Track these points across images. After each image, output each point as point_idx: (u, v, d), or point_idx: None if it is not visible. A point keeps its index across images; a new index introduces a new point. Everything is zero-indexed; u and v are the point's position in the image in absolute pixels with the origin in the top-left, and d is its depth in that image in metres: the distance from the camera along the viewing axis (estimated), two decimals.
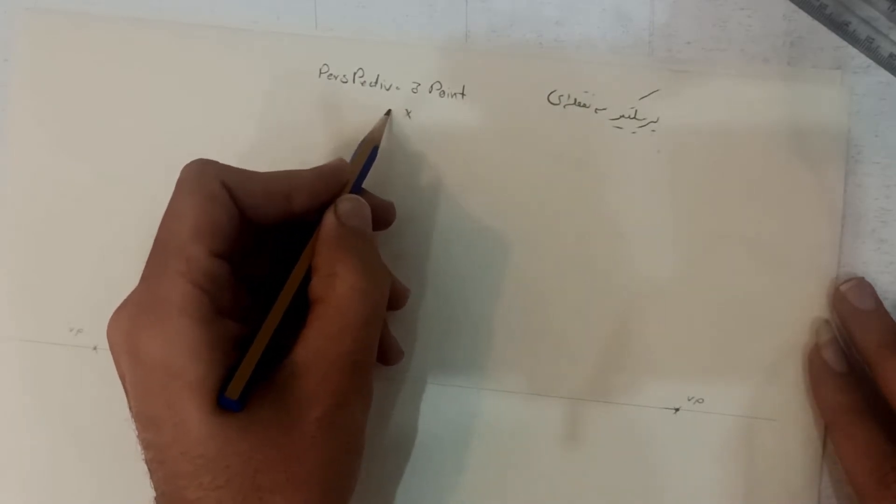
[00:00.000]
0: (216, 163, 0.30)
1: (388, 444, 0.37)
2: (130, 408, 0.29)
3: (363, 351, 0.29)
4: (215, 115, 0.38)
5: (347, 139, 0.37)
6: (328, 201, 0.32)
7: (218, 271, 0.29)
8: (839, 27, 0.35)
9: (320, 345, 0.29)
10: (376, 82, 0.37)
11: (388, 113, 0.37)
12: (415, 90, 0.37)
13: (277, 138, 0.37)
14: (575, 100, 0.36)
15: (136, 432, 0.28)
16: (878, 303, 0.35)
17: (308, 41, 0.37)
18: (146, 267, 0.29)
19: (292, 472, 0.27)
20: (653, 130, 0.36)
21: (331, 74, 0.37)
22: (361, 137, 0.36)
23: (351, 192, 0.33)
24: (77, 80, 0.38)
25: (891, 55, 0.35)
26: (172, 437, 0.27)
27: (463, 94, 0.37)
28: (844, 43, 0.36)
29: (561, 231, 0.37)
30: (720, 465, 0.36)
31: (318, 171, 0.32)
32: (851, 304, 0.35)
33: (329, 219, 0.31)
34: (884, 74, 0.36)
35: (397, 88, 0.37)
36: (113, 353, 0.29)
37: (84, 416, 0.38)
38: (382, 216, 0.35)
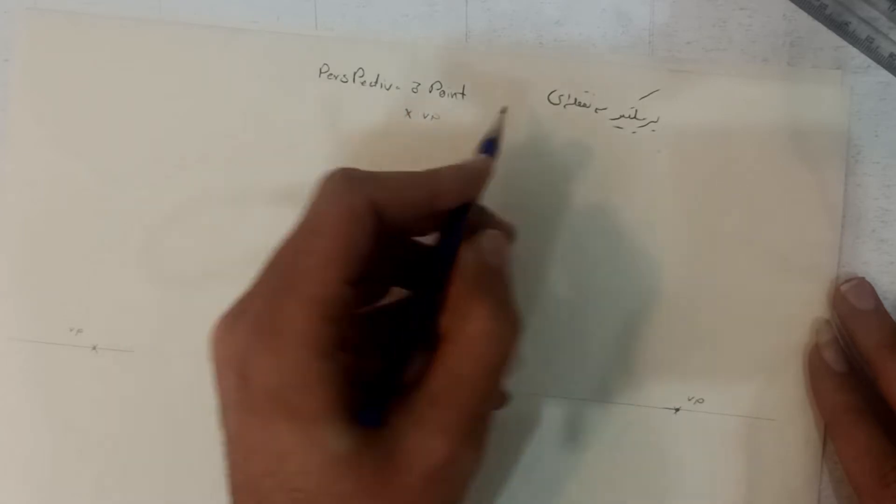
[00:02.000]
0: (362, 173, 0.28)
1: None
2: (224, 423, 0.27)
3: (486, 402, 0.27)
4: (215, 114, 0.38)
5: (347, 139, 0.37)
6: (466, 202, 0.30)
7: (347, 300, 0.26)
8: (839, 27, 0.35)
9: (441, 391, 0.26)
10: (376, 82, 0.37)
11: (504, 110, 0.34)
12: (415, 90, 0.37)
13: (277, 138, 0.37)
14: (575, 100, 0.36)
15: (226, 450, 0.27)
16: (878, 303, 0.35)
17: (308, 41, 0.37)
18: (266, 277, 0.28)
19: None
20: (653, 130, 0.36)
21: (331, 74, 0.37)
22: (362, 137, 0.36)
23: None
24: (77, 80, 0.38)
25: (891, 55, 0.35)
26: (269, 467, 0.25)
27: (463, 93, 0.37)
28: (844, 43, 0.36)
29: (561, 231, 0.37)
30: (720, 465, 0.36)
31: (459, 172, 0.30)
32: (851, 304, 0.35)
33: (468, 255, 0.29)
34: (884, 74, 0.36)
35: (397, 88, 0.37)
36: (216, 363, 0.27)
37: (84, 416, 0.38)
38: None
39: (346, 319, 0.26)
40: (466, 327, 0.27)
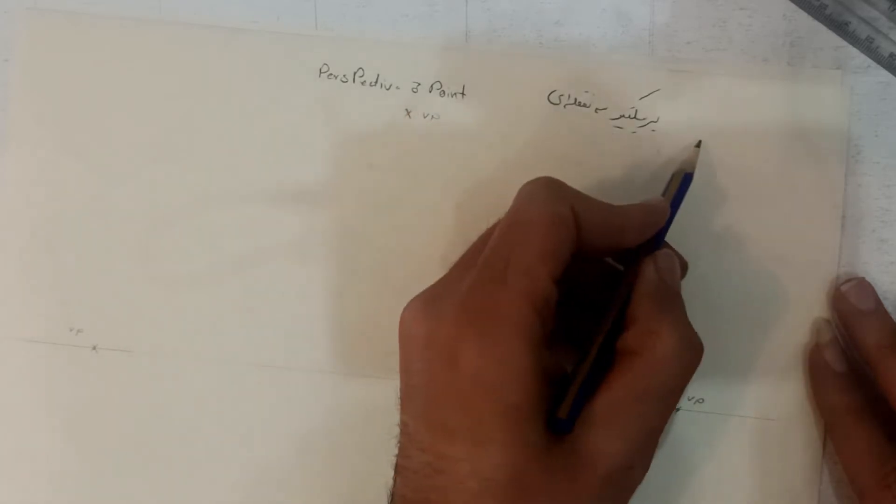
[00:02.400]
0: (565, 184, 0.29)
1: (385, 447, 0.37)
2: (411, 406, 0.28)
3: (663, 417, 0.29)
4: (215, 114, 0.38)
5: (347, 139, 0.37)
6: (644, 241, 0.31)
7: (553, 298, 0.27)
8: (839, 27, 0.35)
9: (626, 400, 0.28)
10: (376, 82, 0.37)
11: (699, 145, 0.35)
12: (415, 90, 0.37)
13: (277, 138, 0.37)
14: (575, 100, 0.36)
15: (409, 430, 0.28)
16: (879, 303, 0.35)
17: (308, 41, 0.37)
18: (469, 266, 0.28)
19: None
20: (653, 130, 0.36)
21: (331, 74, 0.37)
22: (362, 138, 0.36)
23: (663, 230, 0.32)
24: (77, 80, 0.38)
25: (891, 55, 0.35)
26: (467, 453, 0.26)
27: (463, 93, 0.37)
28: (844, 43, 0.36)
29: None
30: (720, 465, 0.36)
31: (644, 209, 0.32)
32: (852, 304, 0.35)
33: (650, 271, 0.30)
34: (884, 74, 0.36)
35: (397, 88, 0.37)
36: (411, 344, 0.28)
37: (84, 416, 0.38)
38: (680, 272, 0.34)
39: (550, 317, 0.28)
40: (656, 345, 0.28)
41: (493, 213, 0.36)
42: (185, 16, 0.38)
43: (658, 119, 0.36)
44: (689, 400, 0.36)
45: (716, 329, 0.36)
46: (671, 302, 0.30)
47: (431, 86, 0.37)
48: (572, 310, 0.31)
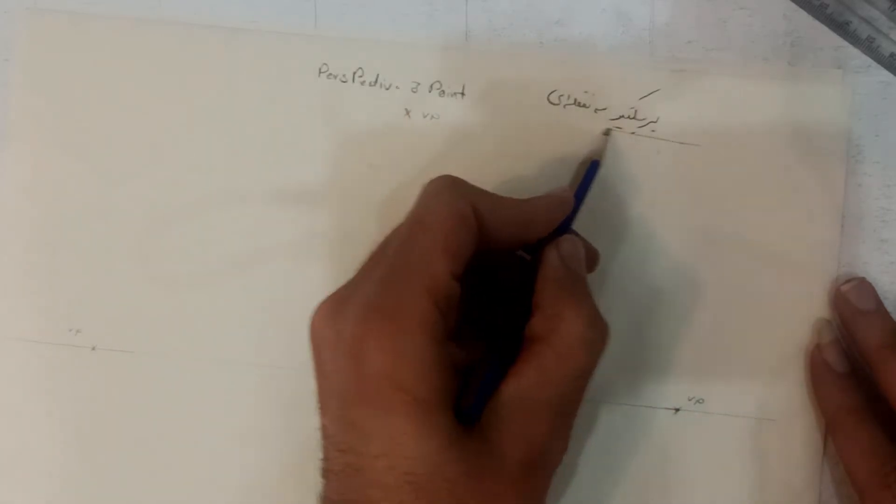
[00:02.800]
0: (467, 182, 0.30)
1: None
2: (326, 407, 0.28)
3: (576, 400, 0.29)
4: (215, 115, 0.38)
5: (347, 139, 0.37)
6: (549, 233, 0.32)
7: (453, 294, 0.28)
8: (840, 27, 0.35)
9: (534, 386, 0.28)
10: (376, 82, 0.37)
11: (608, 133, 0.36)
12: (414, 90, 0.37)
13: (277, 138, 0.37)
14: (575, 100, 0.36)
15: (328, 433, 0.28)
16: (879, 303, 0.35)
17: (308, 41, 0.37)
18: (373, 267, 0.29)
19: None
20: (653, 130, 0.36)
21: (330, 74, 0.37)
22: (362, 138, 0.36)
23: (569, 218, 0.33)
24: (77, 80, 0.38)
25: (891, 55, 0.35)
26: (382, 449, 0.26)
27: (463, 93, 0.37)
28: (845, 43, 0.36)
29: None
30: (721, 466, 0.36)
31: (549, 200, 0.32)
32: (852, 304, 0.35)
33: (553, 257, 0.30)
34: (884, 74, 0.36)
35: (397, 88, 0.37)
36: (320, 347, 0.28)
37: (83, 416, 0.38)
38: (588, 262, 0.34)
39: (453, 312, 0.28)
40: (560, 328, 0.28)
41: None
42: (185, 16, 0.38)
43: (658, 119, 0.36)
44: (690, 400, 0.36)
45: (716, 329, 0.36)
46: (574, 286, 0.30)
47: (431, 86, 0.37)
48: (484, 301, 0.31)
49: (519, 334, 0.30)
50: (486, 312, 0.31)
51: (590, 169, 0.34)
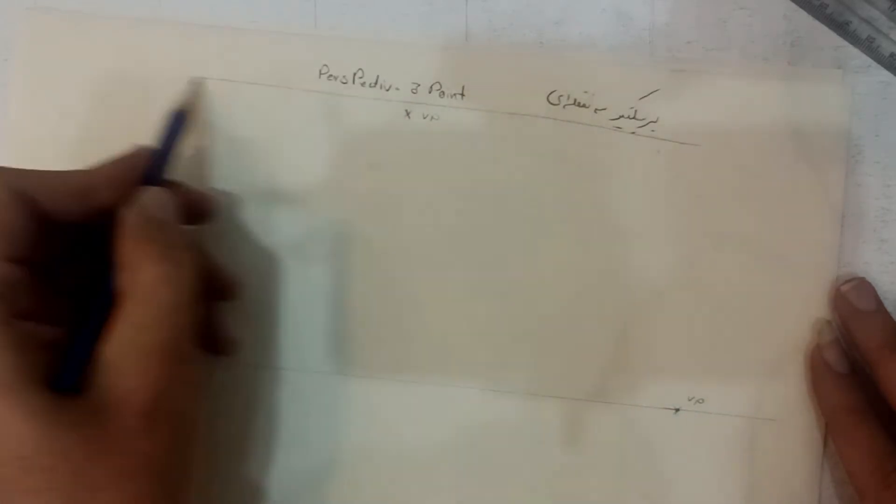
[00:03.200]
0: (6, 169, 0.30)
1: (386, 448, 0.37)
2: None
3: (177, 338, 0.29)
4: (214, 115, 0.38)
5: (347, 140, 0.37)
6: (125, 193, 0.32)
7: (12, 276, 0.28)
8: (840, 27, 0.35)
9: (129, 336, 0.28)
10: (376, 83, 0.37)
11: (197, 82, 0.36)
12: (414, 90, 0.37)
13: (277, 139, 0.37)
14: (574, 100, 0.36)
15: None
16: (879, 303, 0.35)
17: (308, 41, 0.37)
18: None
19: (118, 465, 0.27)
20: (652, 130, 0.36)
21: (331, 75, 0.37)
22: (363, 139, 0.36)
23: (155, 171, 0.33)
24: (77, 80, 0.38)
25: (891, 55, 0.35)
26: None
27: (462, 94, 0.37)
28: (845, 42, 0.36)
29: (560, 232, 0.37)
30: (721, 466, 0.36)
31: (114, 161, 0.32)
32: (852, 304, 0.35)
33: (126, 213, 0.30)
34: (884, 74, 0.36)
35: (397, 89, 0.37)
36: None
37: None
38: (198, 208, 0.35)
39: (27, 294, 0.29)
40: (138, 278, 0.29)
41: (493, 213, 0.37)
42: (185, 16, 0.38)
43: (657, 119, 0.36)
44: (690, 400, 0.36)
45: (716, 329, 0.36)
46: (152, 234, 0.30)
47: (431, 86, 0.37)
48: (79, 269, 0.32)
49: (111, 298, 0.30)
50: (84, 279, 0.32)
51: (172, 120, 0.34)
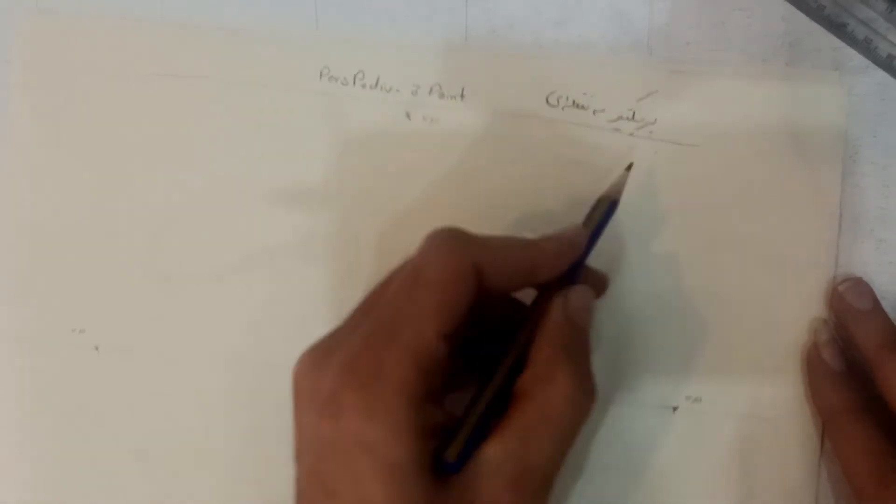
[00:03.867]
0: (470, 236, 0.29)
1: None
2: (302, 458, 0.28)
3: (556, 465, 0.28)
4: (215, 115, 0.38)
5: (348, 142, 0.37)
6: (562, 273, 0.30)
7: (441, 354, 0.27)
8: (837, 28, 0.36)
9: (517, 447, 0.27)
10: (376, 84, 0.37)
11: (630, 168, 0.35)
12: (414, 92, 0.37)
13: (278, 140, 0.37)
14: (573, 101, 0.36)
15: (300, 486, 0.28)
16: (877, 303, 0.35)
17: (308, 43, 0.37)
18: (362, 319, 0.28)
19: None
20: (651, 132, 0.36)
21: (331, 77, 0.37)
22: (363, 141, 0.36)
23: (583, 258, 0.31)
24: (77, 80, 0.38)
25: (889, 56, 0.35)
26: None
27: (462, 95, 0.37)
28: (843, 44, 0.36)
29: None
30: (718, 465, 0.36)
31: (558, 243, 0.31)
32: (849, 304, 0.35)
33: (558, 313, 0.29)
34: (882, 75, 0.36)
35: (397, 90, 0.37)
36: (301, 397, 0.28)
37: (85, 417, 0.38)
38: (597, 290, 0.33)
39: (438, 373, 0.27)
40: (549, 390, 0.27)
41: (493, 214, 0.37)
42: (185, 16, 0.38)
43: (656, 120, 0.36)
44: (687, 399, 0.36)
45: (714, 328, 0.36)
46: (574, 345, 0.29)
47: (431, 88, 0.37)
48: (480, 344, 0.30)
49: (510, 385, 0.29)
50: (484, 356, 0.30)
51: (608, 210, 0.33)
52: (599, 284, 0.34)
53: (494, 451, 0.27)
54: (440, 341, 0.27)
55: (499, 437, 0.27)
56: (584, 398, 0.28)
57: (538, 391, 0.28)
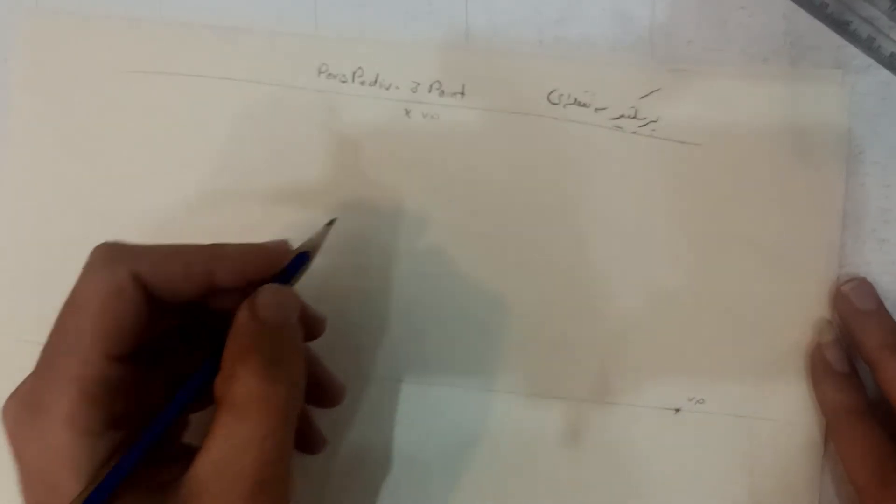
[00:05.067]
0: (127, 247, 0.28)
1: (387, 448, 0.37)
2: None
3: (269, 466, 0.26)
4: (215, 114, 0.38)
5: (347, 139, 0.37)
6: (251, 282, 0.29)
7: (115, 376, 0.26)
8: (840, 26, 0.35)
9: (220, 458, 0.25)
10: (375, 81, 0.37)
11: (332, 223, 0.33)
12: (414, 90, 0.37)
13: (277, 138, 0.37)
14: (575, 99, 0.36)
15: None
16: (880, 303, 0.35)
17: (308, 40, 0.37)
18: (41, 356, 0.27)
19: None
20: (653, 130, 0.36)
21: (330, 74, 0.37)
22: (361, 137, 0.36)
23: (288, 275, 0.30)
24: (77, 80, 0.38)
25: (892, 55, 0.35)
26: None
27: (462, 93, 0.37)
28: (845, 42, 0.36)
29: (561, 231, 0.37)
30: (721, 465, 0.36)
31: (244, 253, 0.29)
32: (853, 304, 0.35)
33: (244, 313, 0.27)
34: (885, 74, 0.36)
35: (397, 88, 0.37)
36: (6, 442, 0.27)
37: None
38: (309, 329, 0.32)
39: (119, 394, 0.26)
40: (234, 388, 0.26)
41: (493, 213, 0.37)
42: (185, 16, 0.38)
43: (658, 119, 0.36)
44: (690, 400, 0.36)
45: (716, 329, 0.36)
46: (263, 342, 0.27)
47: (431, 85, 0.37)
48: (185, 354, 0.30)
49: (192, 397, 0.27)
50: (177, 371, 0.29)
51: (296, 259, 0.31)
52: (315, 326, 0.32)
53: (198, 470, 0.25)
54: (110, 363, 0.26)
55: (202, 453, 0.26)
56: (272, 387, 0.26)
57: (227, 392, 0.26)
